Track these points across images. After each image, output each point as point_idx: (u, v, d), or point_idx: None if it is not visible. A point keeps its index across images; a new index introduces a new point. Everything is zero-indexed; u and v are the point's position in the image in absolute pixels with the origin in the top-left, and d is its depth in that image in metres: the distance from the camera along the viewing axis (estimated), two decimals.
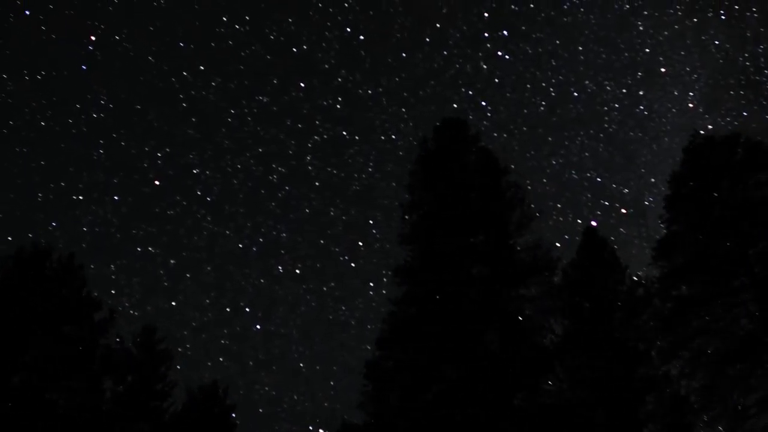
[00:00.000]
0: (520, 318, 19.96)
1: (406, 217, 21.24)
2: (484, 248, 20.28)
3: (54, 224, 54.71)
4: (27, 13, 56.66)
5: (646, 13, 59.69)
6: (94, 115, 59.13)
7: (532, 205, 21.33)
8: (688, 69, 60.29)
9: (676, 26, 60.47)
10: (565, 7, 61.43)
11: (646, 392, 20.91)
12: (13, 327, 20.48)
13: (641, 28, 60.24)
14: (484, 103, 65.83)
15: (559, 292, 21.07)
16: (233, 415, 25.48)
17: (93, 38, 58.19)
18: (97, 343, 21.93)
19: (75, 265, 22.44)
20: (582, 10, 62.14)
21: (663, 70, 58.13)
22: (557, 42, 66.58)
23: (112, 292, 49.91)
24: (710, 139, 21.40)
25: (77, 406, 20.96)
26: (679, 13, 59.32)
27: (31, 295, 21.04)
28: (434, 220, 20.53)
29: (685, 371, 20.23)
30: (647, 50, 60.26)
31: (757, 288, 19.51)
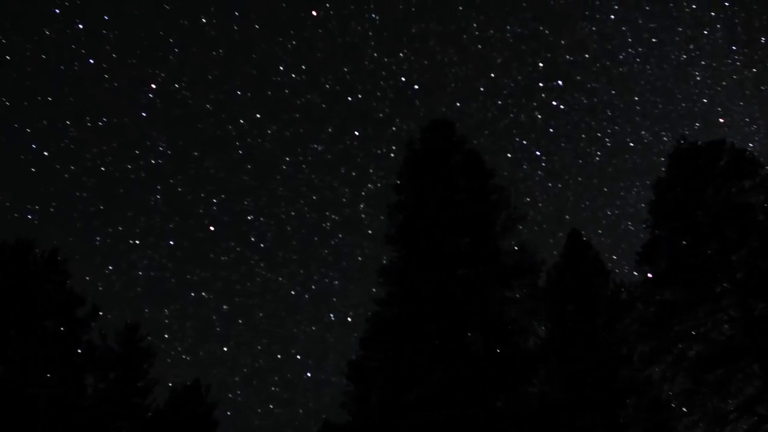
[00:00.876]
0: (504, 320, 19.98)
1: (392, 217, 21.23)
2: (469, 249, 20.29)
3: (110, 268, 54.85)
4: (91, 61, 57.78)
5: (703, 63, 59.07)
6: (152, 161, 59.87)
7: (524, 211, 21.44)
8: (747, 119, 58.91)
9: (734, 76, 58.15)
10: (621, 57, 60.87)
11: (628, 396, 21.06)
12: None
13: (698, 78, 59.50)
14: (538, 153, 65.72)
15: (544, 295, 21.16)
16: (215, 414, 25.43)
17: (153, 86, 59.09)
18: (79, 339, 21.78)
19: (58, 260, 22.29)
20: (638, 60, 61.21)
21: (721, 120, 55.92)
22: (613, 92, 65.82)
23: (166, 336, 50.73)
24: (695, 145, 21.56)
25: (58, 402, 20.80)
26: (738, 63, 57.33)
27: (13, 289, 20.88)
28: (420, 220, 20.53)
29: (667, 375, 20.37)
30: (705, 100, 58.81)
31: (739, 294, 19.67)
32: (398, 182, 21.63)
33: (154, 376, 23.98)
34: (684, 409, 20.01)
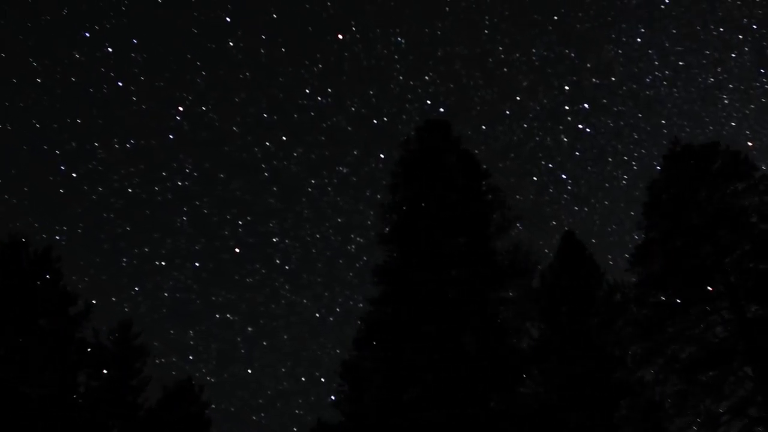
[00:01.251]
0: (498, 320, 19.98)
1: (387, 216, 21.20)
2: (464, 250, 20.28)
3: (137, 289, 55.84)
4: (119, 84, 58.74)
5: (731, 86, 58.52)
6: (179, 183, 60.56)
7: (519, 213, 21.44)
8: None
9: (763, 99, 58.24)
10: (648, 80, 60.73)
11: (621, 397, 21.05)
12: None
13: (726, 101, 58.91)
14: (564, 176, 64.65)
15: (537, 296, 21.17)
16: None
17: (180, 108, 60.23)
18: (72, 337, 21.69)
19: (52, 258, 22.19)
20: (665, 83, 60.81)
21: (750, 144, 55.26)
22: (639, 115, 66.67)
23: (190, 357, 51.17)
24: (689, 147, 21.55)
25: (51, 400, 20.73)
26: (767, 87, 57.26)
27: (6, 287, 20.79)
28: (414, 220, 20.51)
29: (660, 377, 20.41)
30: (733, 124, 57.46)
31: (732, 296, 19.70)
32: (393, 182, 21.59)
33: (147, 374, 23.96)
34: (677, 411, 20.02)
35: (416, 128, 22.18)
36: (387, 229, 21.13)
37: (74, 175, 57.72)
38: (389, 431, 18.44)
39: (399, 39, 60.93)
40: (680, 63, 61.34)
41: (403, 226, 20.79)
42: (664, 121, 62.44)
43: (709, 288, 20.23)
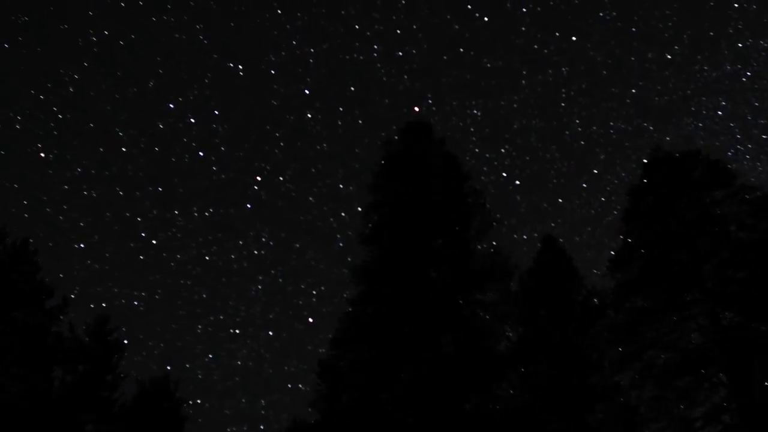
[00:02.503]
0: (476, 323, 20.01)
1: (367, 217, 21.18)
2: (443, 252, 20.32)
3: (210, 356, 55.81)
4: (200, 154, 59.08)
5: None
6: (255, 252, 60.29)
7: (498, 215, 21.49)
8: None
9: None
10: (730, 154, 58.69)
11: (597, 401, 21.14)
12: None
13: None
14: None
15: (516, 299, 21.20)
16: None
17: (258, 178, 60.91)
18: (47, 331, 21.47)
19: (29, 250, 21.95)
20: (747, 157, 59.15)
21: None
22: None
23: (261, 427, 51.05)
24: (670, 154, 21.63)
25: (24, 394, 20.52)
26: None
27: None
28: (395, 221, 20.51)
29: (636, 382, 20.43)
30: None
31: (708, 303, 19.79)
32: (374, 182, 21.57)
33: (122, 370, 23.71)
34: (652, 416, 20.07)
35: (399, 129, 22.23)
36: (367, 229, 21.11)
37: (154, 241, 58.19)
38: (365, 430, 18.42)
39: (475, 111, 61.16)
40: (763, 136, 60.72)
41: (384, 226, 20.79)
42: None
43: (686, 295, 20.32)
